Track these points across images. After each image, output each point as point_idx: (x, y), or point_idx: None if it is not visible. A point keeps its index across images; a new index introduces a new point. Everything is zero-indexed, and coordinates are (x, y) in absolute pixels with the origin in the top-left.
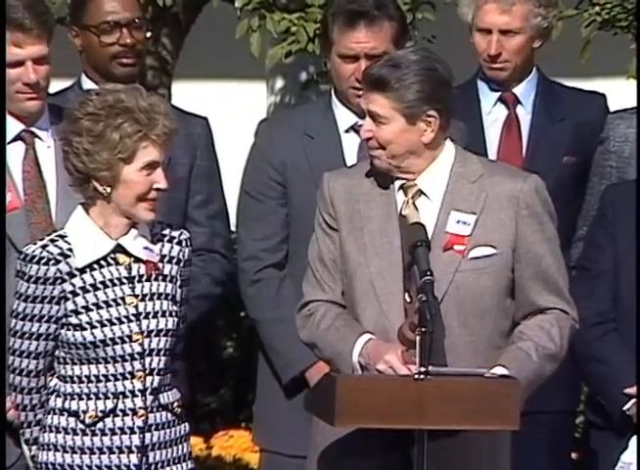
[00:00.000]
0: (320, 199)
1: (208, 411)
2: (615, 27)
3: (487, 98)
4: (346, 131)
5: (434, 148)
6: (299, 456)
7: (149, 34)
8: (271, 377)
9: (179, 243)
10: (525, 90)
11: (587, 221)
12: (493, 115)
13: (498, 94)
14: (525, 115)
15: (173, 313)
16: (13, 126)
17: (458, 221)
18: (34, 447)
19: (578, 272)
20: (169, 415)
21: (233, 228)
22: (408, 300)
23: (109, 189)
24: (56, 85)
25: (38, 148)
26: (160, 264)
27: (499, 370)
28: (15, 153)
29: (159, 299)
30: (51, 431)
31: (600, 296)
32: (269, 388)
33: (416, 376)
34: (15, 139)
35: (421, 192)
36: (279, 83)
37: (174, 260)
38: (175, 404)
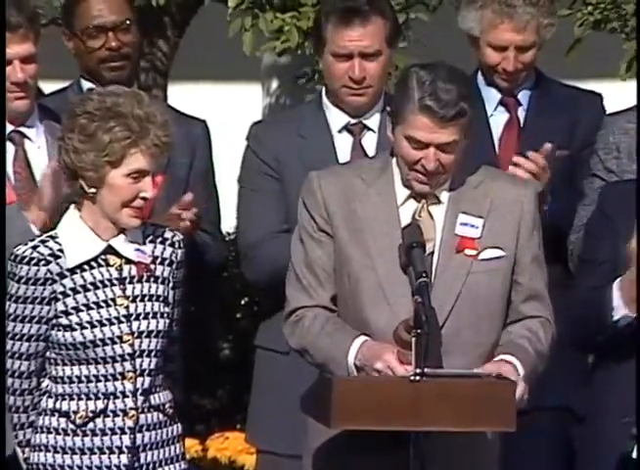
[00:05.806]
0: (309, 199)
1: (204, 413)
2: (606, 28)
3: (490, 101)
4: (339, 131)
5: None
6: (294, 456)
7: (137, 37)
8: (266, 376)
9: (172, 244)
10: (524, 92)
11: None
12: (495, 117)
13: (499, 97)
14: (523, 114)
15: (165, 315)
16: None
17: (467, 224)
18: (27, 449)
19: (581, 265)
20: (161, 416)
21: (227, 230)
22: (420, 300)
23: (94, 190)
24: (55, 86)
25: (28, 148)
26: (152, 266)
27: (508, 358)
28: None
29: (150, 300)
30: (42, 432)
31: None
32: (264, 386)
33: (412, 377)
34: None
35: (434, 196)
36: (274, 84)
37: (166, 262)
38: (167, 405)
